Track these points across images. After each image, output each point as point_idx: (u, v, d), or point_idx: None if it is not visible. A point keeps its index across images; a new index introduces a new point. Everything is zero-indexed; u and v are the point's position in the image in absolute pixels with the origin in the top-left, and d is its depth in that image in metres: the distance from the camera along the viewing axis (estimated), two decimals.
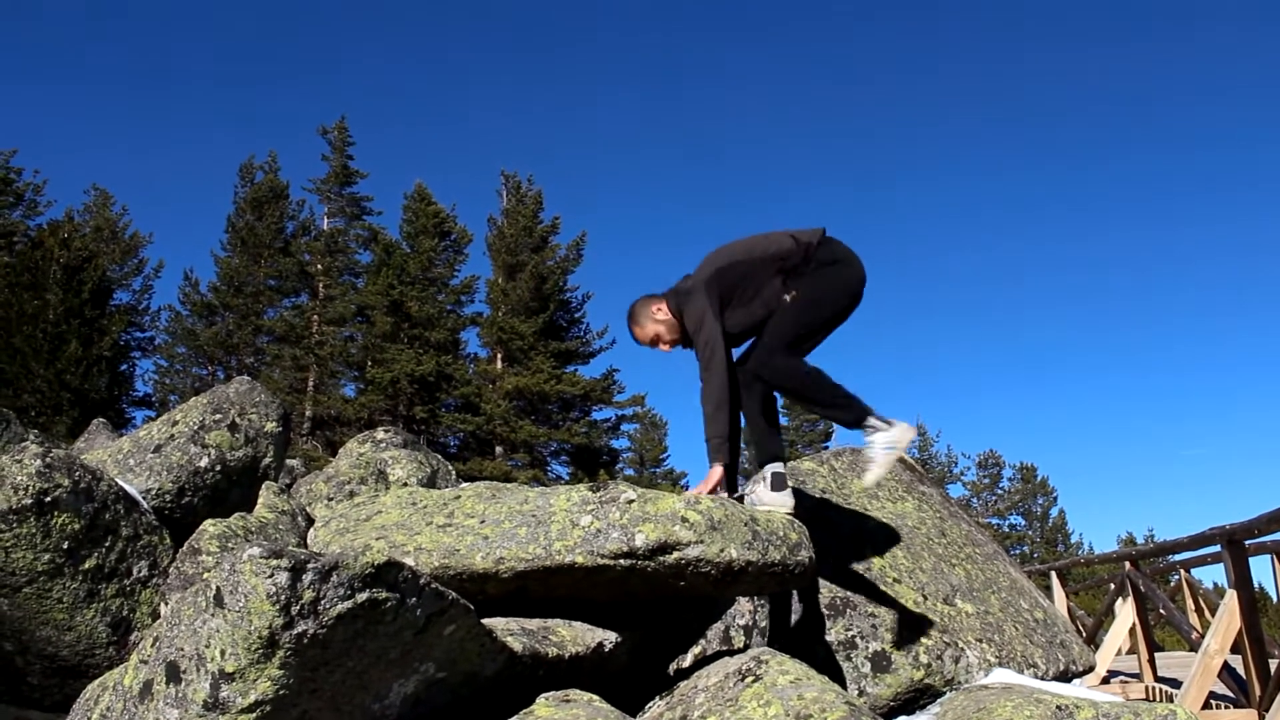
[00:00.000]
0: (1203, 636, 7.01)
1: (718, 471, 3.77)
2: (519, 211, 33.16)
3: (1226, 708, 7.01)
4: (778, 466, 3.85)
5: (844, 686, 3.91)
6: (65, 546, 3.59)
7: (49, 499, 3.57)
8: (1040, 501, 45.24)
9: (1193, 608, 11.25)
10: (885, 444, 3.71)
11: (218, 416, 4.82)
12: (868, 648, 4.10)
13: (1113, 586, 11.27)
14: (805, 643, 4.18)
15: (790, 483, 3.86)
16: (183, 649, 2.44)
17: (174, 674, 2.43)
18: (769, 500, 3.74)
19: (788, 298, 3.88)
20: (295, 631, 2.32)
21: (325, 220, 35.26)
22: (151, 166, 59.62)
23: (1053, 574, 12.96)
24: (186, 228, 57.92)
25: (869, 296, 4.04)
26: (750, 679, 3.08)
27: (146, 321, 32.86)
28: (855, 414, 3.77)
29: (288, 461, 7.30)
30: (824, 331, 3.97)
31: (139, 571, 3.87)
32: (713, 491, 3.74)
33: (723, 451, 3.80)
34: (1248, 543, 6.69)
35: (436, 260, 32.50)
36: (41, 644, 3.61)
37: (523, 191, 33.93)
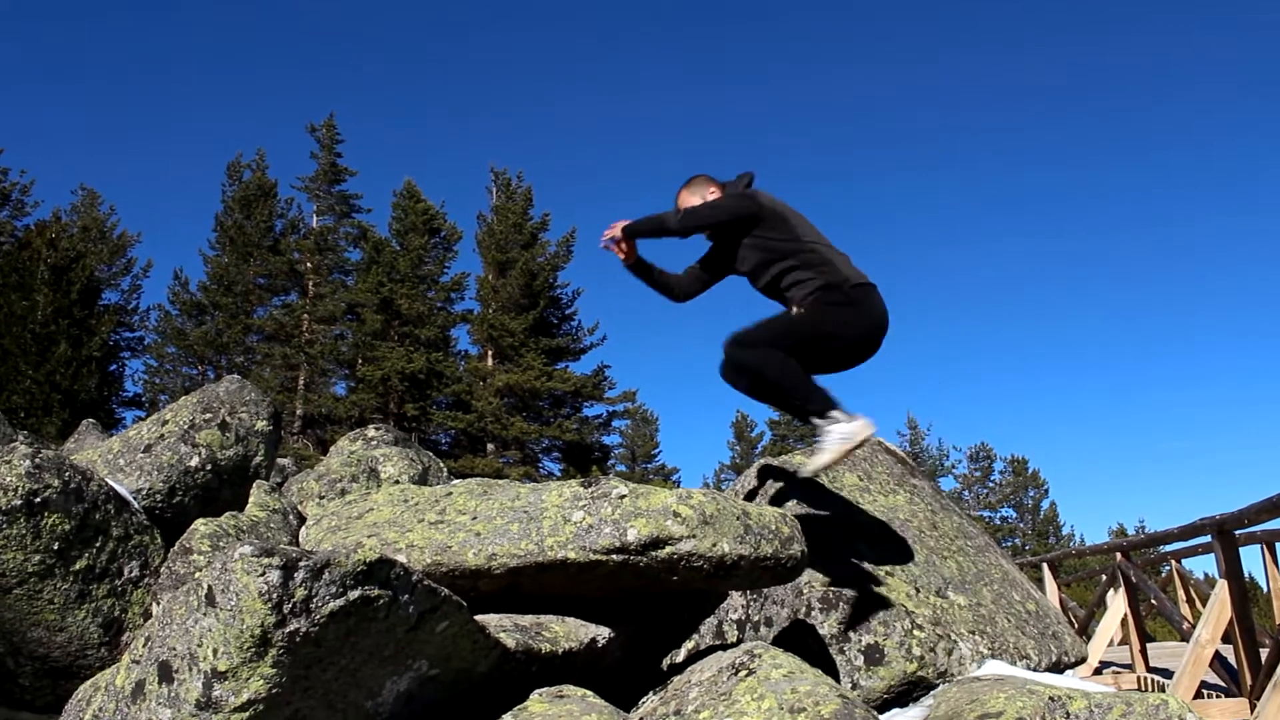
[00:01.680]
0: (1194, 627, 7.03)
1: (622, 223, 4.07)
2: (509, 208, 33.10)
3: (1218, 697, 7.04)
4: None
5: (837, 679, 3.92)
6: (56, 547, 3.57)
7: (39, 499, 3.55)
8: (1031, 494, 45.32)
9: (1184, 598, 11.28)
10: (843, 434, 3.62)
11: (208, 415, 4.80)
12: (860, 641, 4.11)
13: (1104, 578, 11.30)
14: (798, 636, 4.19)
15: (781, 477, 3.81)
16: (175, 648, 2.43)
17: (166, 673, 2.42)
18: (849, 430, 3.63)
19: (795, 310, 3.80)
20: (288, 630, 2.31)
21: (314, 218, 35.12)
22: (139, 166, 59.43)
23: (1044, 566, 12.96)
24: (175, 227, 57.71)
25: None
26: (744, 673, 3.08)
27: (136, 321, 32.75)
28: (821, 405, 3.67)
29: (279, 460, 7.28)
30: (808, 351, 3.83)
31: (130, 571, 3.86)
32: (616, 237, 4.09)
33: (634, 229, 4.08)
34: (1238, 533, 6.71)
35: (426, 257, 32.44)
36: (33, 645, 3.60)
37: (512, 188, 33.89)
